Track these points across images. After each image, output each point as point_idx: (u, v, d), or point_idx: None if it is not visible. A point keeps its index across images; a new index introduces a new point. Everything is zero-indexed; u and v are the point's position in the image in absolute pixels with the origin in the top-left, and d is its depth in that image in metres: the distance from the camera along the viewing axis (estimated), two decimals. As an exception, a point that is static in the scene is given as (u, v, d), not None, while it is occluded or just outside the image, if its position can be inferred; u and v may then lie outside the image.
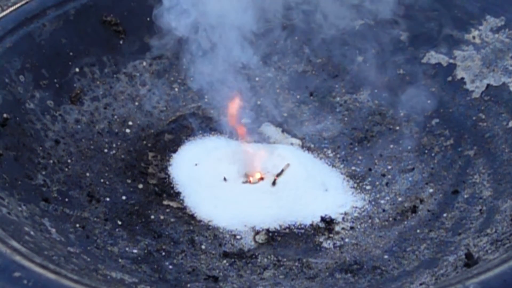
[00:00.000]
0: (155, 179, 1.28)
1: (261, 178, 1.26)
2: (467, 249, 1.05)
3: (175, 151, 1.34)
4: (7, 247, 0.89)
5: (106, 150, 1.30)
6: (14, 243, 0.91)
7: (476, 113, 1.30)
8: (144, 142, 1.35)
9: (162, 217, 1.20)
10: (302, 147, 1.36)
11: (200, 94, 1.43)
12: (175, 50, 1.43)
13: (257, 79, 1.43)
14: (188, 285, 1.05)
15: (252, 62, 1.38)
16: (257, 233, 1.17)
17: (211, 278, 1.07)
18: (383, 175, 1.28)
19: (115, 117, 1.36)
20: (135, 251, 1.11)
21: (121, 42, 1.41)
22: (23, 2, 1.32)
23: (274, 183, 1.24)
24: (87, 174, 1.24)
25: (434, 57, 1.40)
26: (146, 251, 1.12)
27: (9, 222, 0.99)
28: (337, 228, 1.18)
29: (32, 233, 1.00)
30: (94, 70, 1.37)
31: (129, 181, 1.26)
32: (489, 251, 1.02)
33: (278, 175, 1.25)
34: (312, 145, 1.37)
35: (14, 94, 1.22)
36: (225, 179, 1.25)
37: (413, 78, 1.39)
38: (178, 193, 1.25)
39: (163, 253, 1.12)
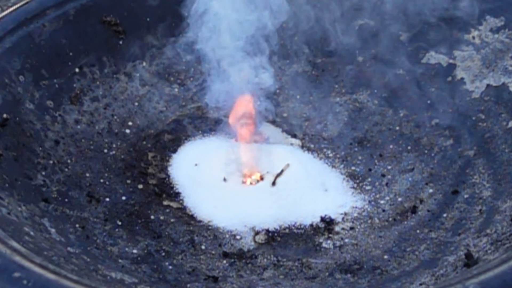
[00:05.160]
0: (155, 179, 1.28)
1: (261, 178, 1.26)
2: (467, 249, 1.05)
3: (175, 151, 1.34)
4: (7, 248, 0.89)
5: (106, 150, 1.31)
6: (14, 244, 0.91)
7: (476, 113, 1.30)
8: (144, 142, 1.35)
9: (162, 217, 1.20)
10: (302, 147, 1.36)
11: (200, 94, 1.43)
12: (175, 50, 1.43)
13: (256, 79, 1.43)
14: (188, 285, 1.05)
15: (252, 62, 1.38)
16: (257, 233, 1.17)
17: (211, 278, 1.07)
18: (383, 175, 1.28)
19: (115, 117, 1.36)
20: (135, 251, 1.11)
21: (121, 42, 1.41)
22: (23, 2, 1.32)
23: (274, 183, 1.24)
24: (87, 175, 1.24)
25: (434, 57, 1.40)
26: (146, 251, 1.12)
27: (9, 222, 0.99)
28: (337, 228, 1.18)
29: (32, 233, 1.00)
30: (94, 70, 1.37)
31: (129, 181, 1.26)
32: (489, 251, 1.02)
33: (278, 175, 1.25)
34: (312, 145, 1.37)
35: (14, 94, 1.22)
36: (225, 179, 1.25)
37: (413, 78, 1.40)
38: (178, 194, 1.25)
39: (163, 253, 1.12)
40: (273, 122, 1.41)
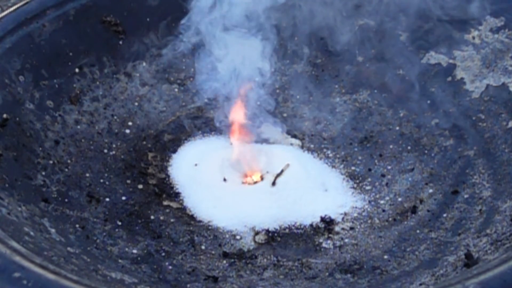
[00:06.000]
0: (155, 179, 1.28)
1: (261, 178, 1.26)
2: (467, 249, 1.05)
3: (174, 151, 1.34)
4: (7, 248, 0.89)
5: (106, 151, 1.31)
6: (14, 244, 0.91)
7: (476, 113, 1.30)
8: (144, 142, 1.35)
9: (162, 217, 1.20)
10: (302, 147, 1.36)
11: (200, 94, 1.43)
12: (175, 50, 1.43)
13: (256, 79, 1.43)
14: (188, 285, 1.05)
15: (252, 63, 1.38)
16: (257, 233, 1.17)
17: (211, 278, 1.07)
18: (383, 175, 1.28)
19: (115, 117, 1.36)
20: (135, 251, 1.11)
21: (121, 42, 1.41)
22: (23, 2, 1.32)
23: (274, 183, 1.24)
24: (87, 175, 1.24)
25: (434, 57, 1.40)
26: (146, 251, 1.12)
27: (9, 222, 0.99)
28: (336, 228, 1.18)
29: (31, 233, 1.00)
30: (94, 71, 1.37)
31: (129, 181, 1.26)
32: (489, 251, 1.02)
33: (278, 175, 1.25)
34: (312, 145, 1.37)
35: (14, 94, 1.22)
36: (225, 179, 1.25)
37: (413, 78, 1.40)
38: (178, 194, 1.25)
39: (163, 253, 1.12)
40: (273, 122, 1.41)
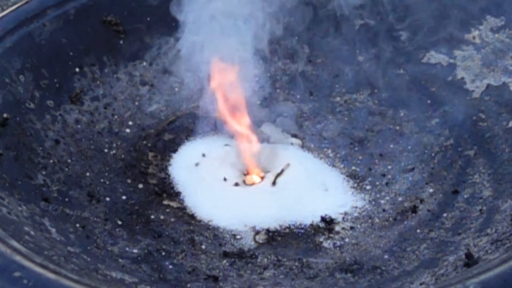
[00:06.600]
0: (155, 179, 1.28)
1: (261, 178, 1.26)
2: (467, 249, 1.05)
3: (175, 151, 1.34)
4: (7, 247, 0.89)
5: (106, 150, 1.31)
6: (14, 243, 0.91)
7: (476, 113, 1.30)
8: (144, 142, 1.35)
9: (162, 217, 1.20)
10: (302, 147, 1.36)
11: (200, 94, 1.43)
12: (175, 50, 1.43)
13: (256, 79, 1.43)
14: (188, 285, 1.05)
15: (252, 62, 1.38)
16: (257, 233, 1.17)
17: (211, 278, 1.07)
18: (383, 175, 1.28)
19: (115, 117, 1.36)
20: (135, 251, 1.11)
21: (121, 42, 1.41)
22: (23, 2, 1.32)
23: (274, 183, 1.24)
24: (87, 174, 1.24)
25: (434, 57, 1.40)
26: (146, 251, 1.12)
27: (9, 222, 0.99)
28: (337, 228, 1.18)
29: (32, 233, 1.00)
30: (94, 70, 1.37)
31: (129, 181, 1.26)
32: (489, 251, 1.02)
33: (278, 175, 1.25)
34: (312, 145, 1.37)
35: (14, 94, 1.22)
36: (225, 179, 1.25)
37: (413, 78, 1.40)
38: (178, 193, 1.25)
39: (163, 253, 1.12)
40: (273, 122, 1.41)
